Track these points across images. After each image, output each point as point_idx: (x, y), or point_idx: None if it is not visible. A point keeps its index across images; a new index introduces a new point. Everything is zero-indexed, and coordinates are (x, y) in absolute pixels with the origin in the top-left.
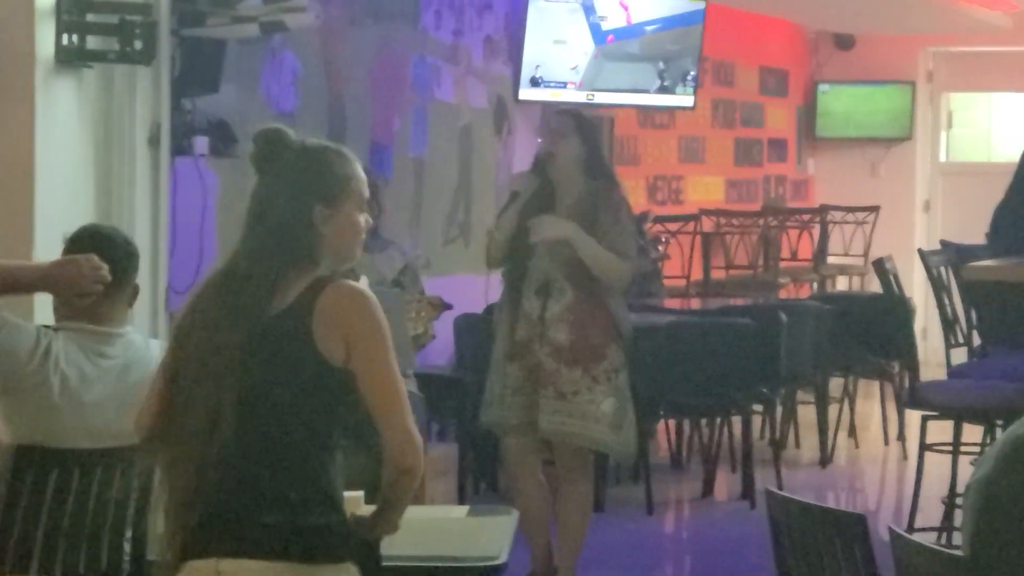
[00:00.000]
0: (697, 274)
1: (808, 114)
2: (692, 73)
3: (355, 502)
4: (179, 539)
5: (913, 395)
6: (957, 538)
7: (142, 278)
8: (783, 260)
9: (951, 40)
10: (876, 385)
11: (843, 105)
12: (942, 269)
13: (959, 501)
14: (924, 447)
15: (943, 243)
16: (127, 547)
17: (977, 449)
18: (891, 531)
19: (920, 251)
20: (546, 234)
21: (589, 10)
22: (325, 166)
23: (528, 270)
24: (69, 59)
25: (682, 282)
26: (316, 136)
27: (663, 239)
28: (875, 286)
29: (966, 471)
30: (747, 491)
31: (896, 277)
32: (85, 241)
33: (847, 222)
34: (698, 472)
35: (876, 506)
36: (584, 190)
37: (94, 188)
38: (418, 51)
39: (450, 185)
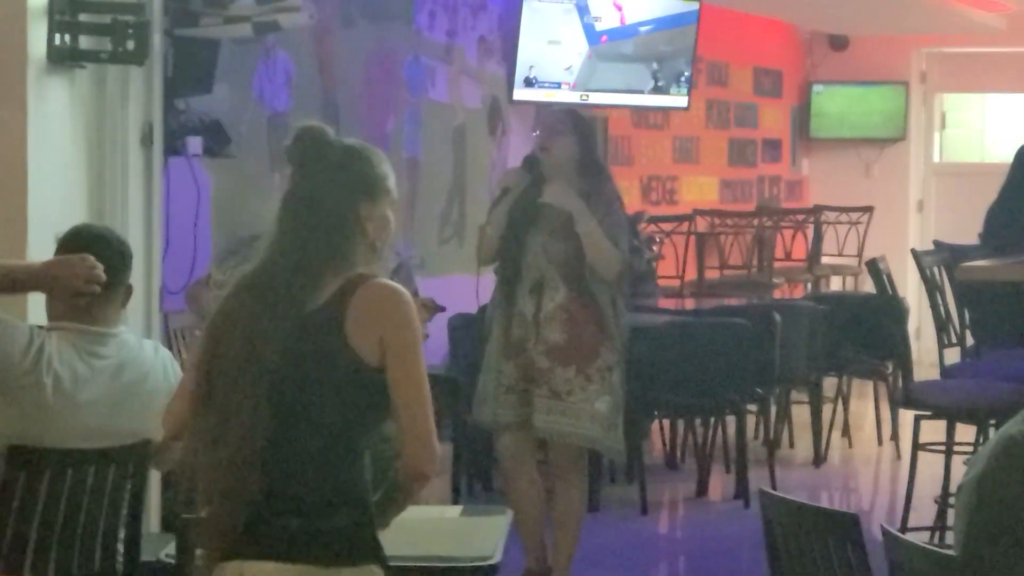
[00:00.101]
0: (691, 274)
1: (802, 115)
2: (686, 73)
3: None
4: (216, 540)
5: (906, 395)
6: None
7: (135, 278)
8: (777, 260)
9: (945, 41)
10: (870, 385)
11: (837, 106)
12: (935, 269)
13: (952, 501)
14: (917, 447)
15: (936, 243)
16: (121, 548)
17: (970, 449)
18: (884, 531)
19: (913, 251)
20: (556, 199)
21: (583, 10)
22: (367, 164)
23: (521, 268)
24: (62, 59)
25: (676, 282)
26: None
27: (657, 239)
28: (869, 286)
29: (959, 471)
30: (741, 491)
31: (890, 277)
32: (78, 241)
33: (841, 222)
34: (692, 472)
35: (870, 506)
36: (577, 188)
37: (87, 188)
38: (412, 51)
39: (444, 185)
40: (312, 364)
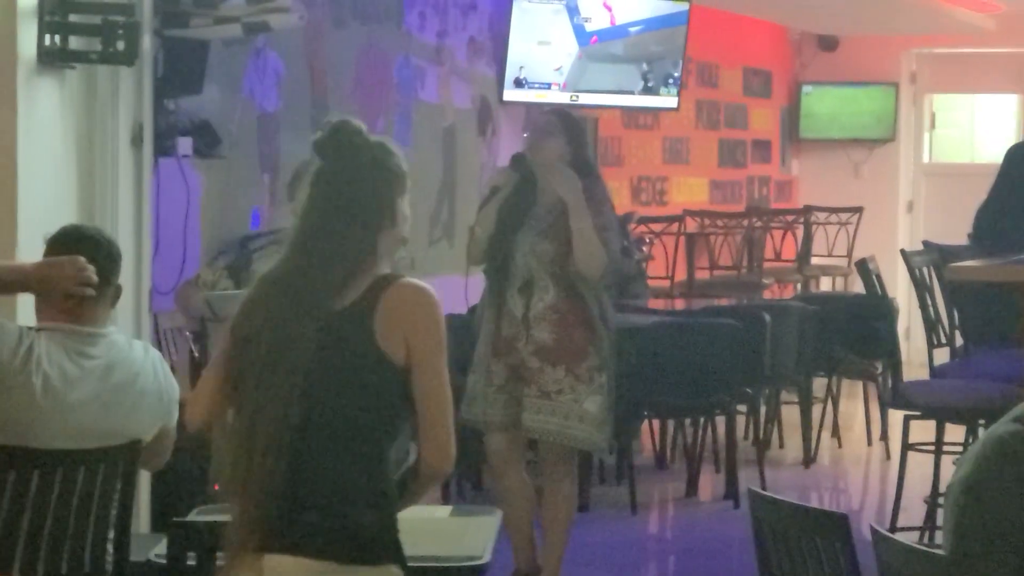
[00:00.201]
0: (681, 275)
1: (792, 115)
2: (676, 74)
3: None
4: (241, 534)
5: (896, 395)
6: (939, 538)
7: (125, 278)
8: (767, 261)
9: (934, 41)
10: (859, 385)
11: (827, 106)
12: (925, 269)
13: (941, 501)
14: (907, 447)
15: (926, 244)
16: (110, 548)
17: (959, 449)
18: (874, 530)
19: (903, 252)
20: (557, 185)
21: (573, 11)
22: (398, 159)
23: (510, 268)
24: (51, 60)
25: (666, 283)
26: (301, 137)
27: (647, 240)
28: (858, 286)
29: (948, 471)
30: (731, 491)
31: (879, 277)
32: (68, 242)
33: (831, 223)
34: (682, 472)
35: (859, 506)
36: None
37: (77, 189)
38: (402, 52)
39: (434, 186)
40: (341, 362)
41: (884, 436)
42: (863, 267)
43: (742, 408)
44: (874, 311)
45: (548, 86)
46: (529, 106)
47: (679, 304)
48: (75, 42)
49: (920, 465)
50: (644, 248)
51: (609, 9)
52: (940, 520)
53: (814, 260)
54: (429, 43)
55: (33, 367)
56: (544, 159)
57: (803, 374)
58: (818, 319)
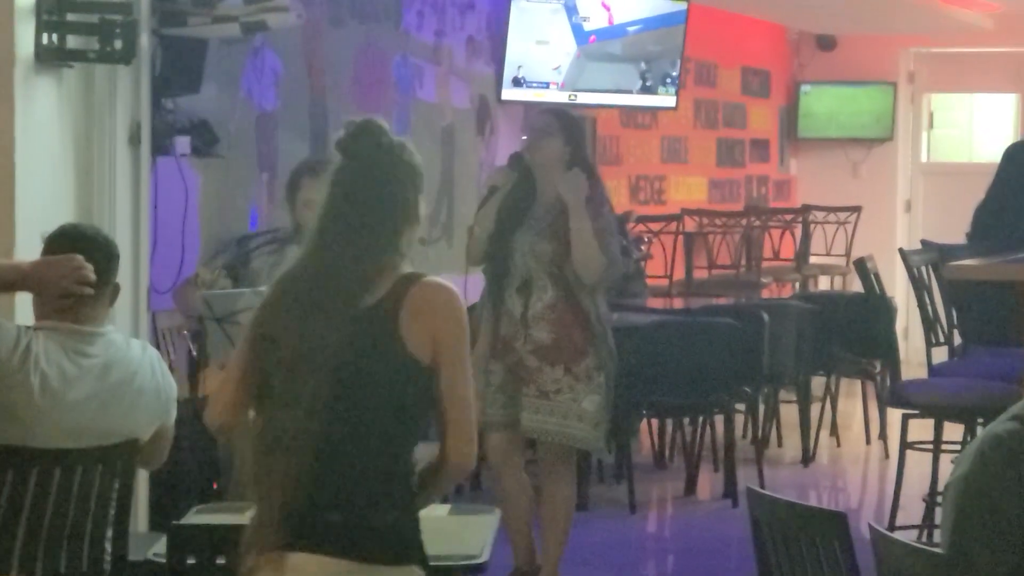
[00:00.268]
0: (679, 274)
1: (790, 114)
2: (674, 74)
3: None
4: (265, 531)
5: (894, 394)
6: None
7: (123, 277)
8: (765, 260)
9: (932, 41)
10: (858, 384)
11: (825, 106)
12: (923, 269)
13: (940, 499)
14: (905, 445)
15: (924, 243)
16: (108, 547)
17: (958, 447)
18: (872, 529)
19: (901, 251)
20: (559, 185)
21: (571, 10)
22: (417, 158)
23: (509, 267)
24: (49, 59)
25: (664, 282)
26: (299, 136)
27: (645, 239)
28: (857, 286)
29: (947, 469)
30: (729, 490)
31: (877, 277)
32: (65, 241)
33: (829, 222)
34: (681, 471)
35: (858, 504)
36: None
37: (75, 188)
38: (400, 51)
39: (432, 186)
40: (367, 361)
41: (883, 435)
42: (861, 266)
43: (741, 407)
44: (872, 310)
45: (546, 85)
46: (527, 105)
47: (677, 303)
48: (73, 41)
49: (918, 464)
50: (642, 247)
51: (607, 8)
52: (939, 518)
53: (812, 259)
54: (427, 42)
55: (31, 366)
56: (543, 159)
57: (802, 373)
58: (816, 318)
